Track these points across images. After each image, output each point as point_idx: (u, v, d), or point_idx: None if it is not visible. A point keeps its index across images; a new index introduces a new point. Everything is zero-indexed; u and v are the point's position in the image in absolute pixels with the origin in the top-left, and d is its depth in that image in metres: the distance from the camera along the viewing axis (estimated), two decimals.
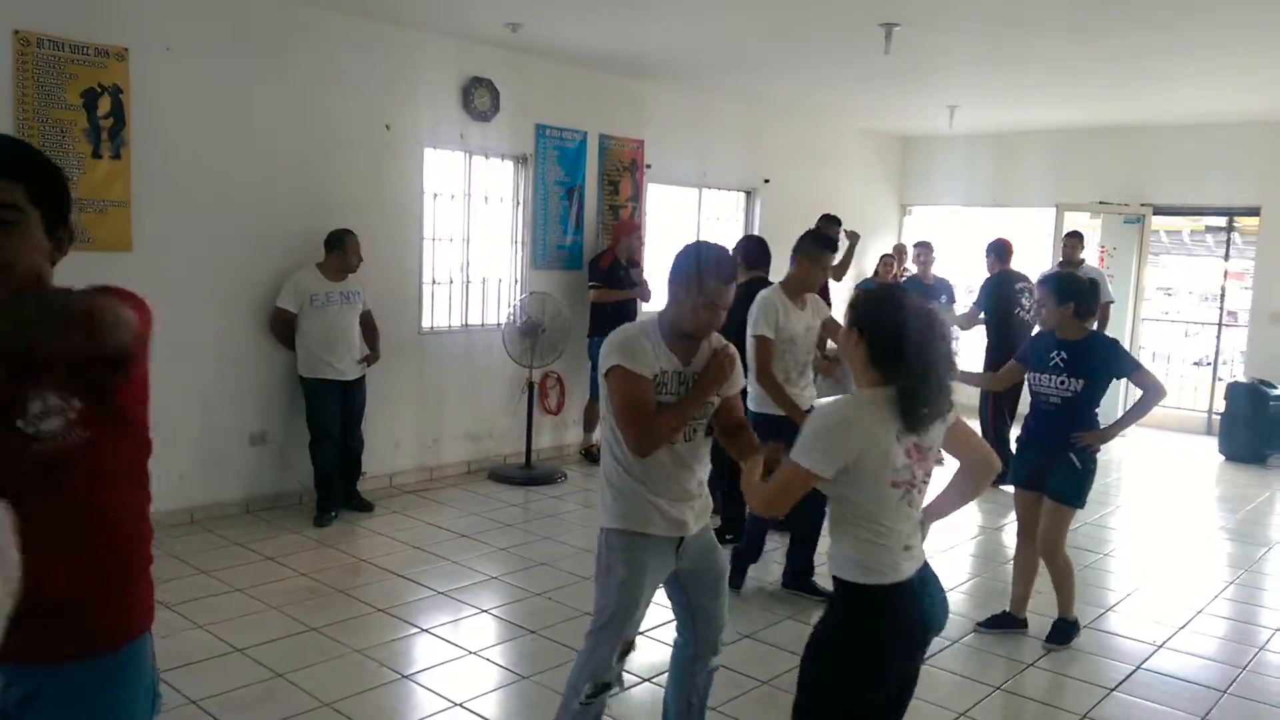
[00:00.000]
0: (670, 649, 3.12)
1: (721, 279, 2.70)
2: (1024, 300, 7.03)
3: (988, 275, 7.36)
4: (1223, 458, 8.51)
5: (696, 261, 2.73)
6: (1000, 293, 7.15)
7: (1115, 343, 4.31)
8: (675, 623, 3.07)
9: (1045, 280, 4.30)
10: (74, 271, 1.61)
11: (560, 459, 7.40)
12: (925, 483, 2.34)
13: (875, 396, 2.27)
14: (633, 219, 7.74)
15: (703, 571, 2.95)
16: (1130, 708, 3.79)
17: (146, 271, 5.19)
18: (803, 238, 4.75)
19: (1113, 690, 3.93)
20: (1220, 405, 8.83)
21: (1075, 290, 4.12)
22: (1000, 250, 7.29)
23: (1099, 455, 4.22)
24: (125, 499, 1.65)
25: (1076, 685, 3.97)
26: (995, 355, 7.03)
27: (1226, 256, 10.11)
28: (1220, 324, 9.86)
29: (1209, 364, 9.97)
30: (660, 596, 2.97)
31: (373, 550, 5.29)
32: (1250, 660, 4.29)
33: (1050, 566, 4.30)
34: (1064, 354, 4.09)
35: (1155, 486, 7.67)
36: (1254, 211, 9.08)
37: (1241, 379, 8.76)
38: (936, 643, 4.22)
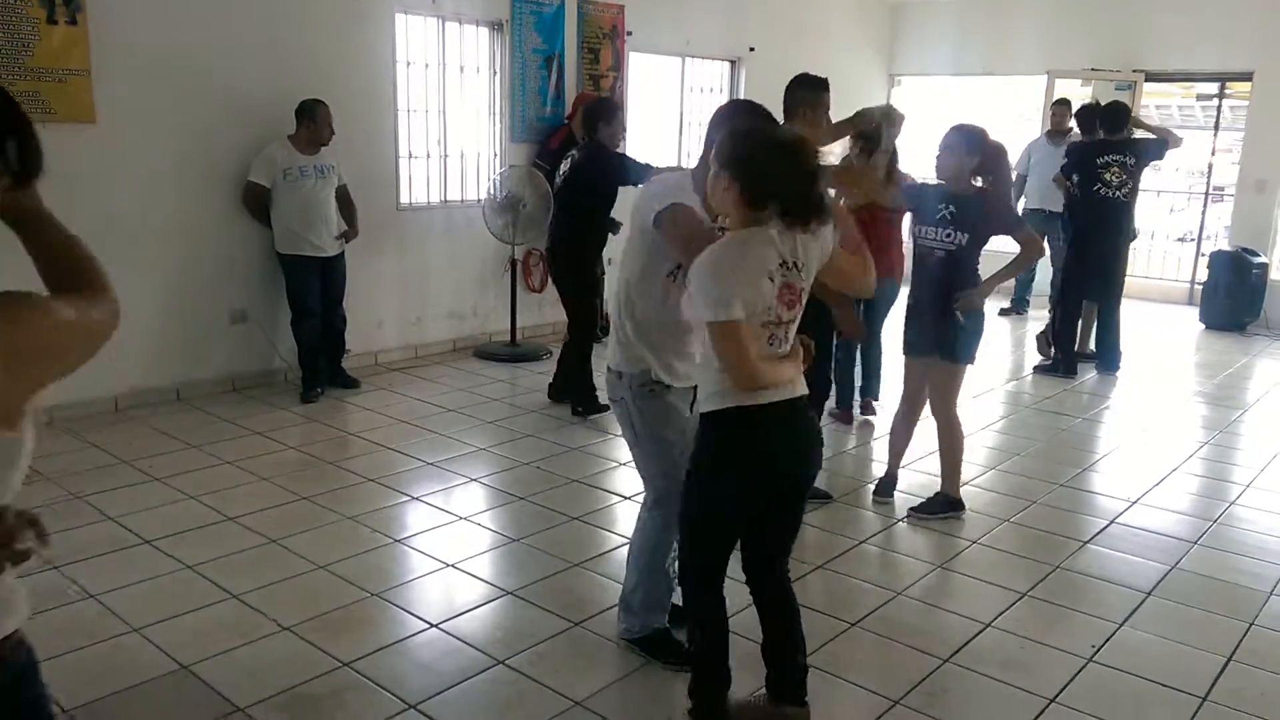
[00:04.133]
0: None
1: None
2: (1108, 176, 6.59)
3: (1072, 142, 7.16)
4: (1203, 326, 8.59)
5: None
6: (1083, 162, 6.75)
7: (1003, 199, 4.25)
8: None
9: (959, 128, 4.15)
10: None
11: (545, 337, 7.38)
12: (791, 324, 2.43)
13: (754, 236, 2.34)
14: (595, 91, 7.38)
15: None
16: (1104, 558, 3.91)
17: (112, 144, 5.04)
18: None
19: (1086, 543, 4.05)
20: (1203, 277, 8.85)
21: (983, 145, 4.07)
22: (1089, 116, 6.92)
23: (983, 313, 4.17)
24: None
25: (1052, 539, 4.08)
26: (1069, 231, 6.90)
27: (1216, 127, 9.96)
28: (1207, 195, 9.81)
29: (1193, 240, 9.96)
30: None
31: (361, 424, 5.31)
32: (1220, 514, 4.42)
33: (940, 428, 4.27)
34: (953, 207, 4.08)
35: (1136, 354, 7.73)
36: (1246, 76, 8.90)
37: (1226, 248, 8.75)
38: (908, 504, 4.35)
